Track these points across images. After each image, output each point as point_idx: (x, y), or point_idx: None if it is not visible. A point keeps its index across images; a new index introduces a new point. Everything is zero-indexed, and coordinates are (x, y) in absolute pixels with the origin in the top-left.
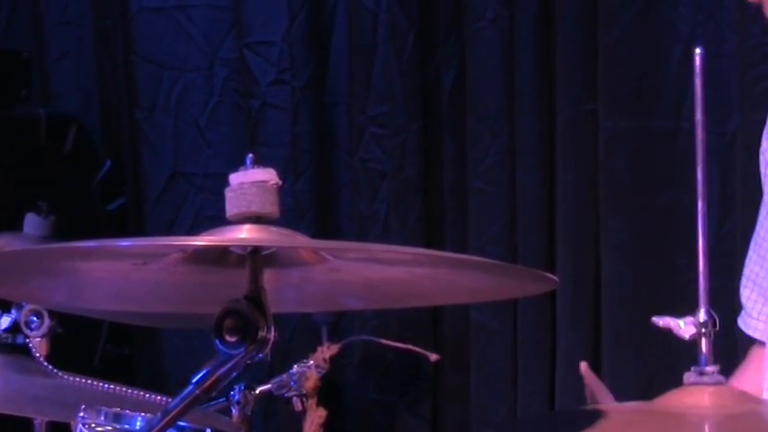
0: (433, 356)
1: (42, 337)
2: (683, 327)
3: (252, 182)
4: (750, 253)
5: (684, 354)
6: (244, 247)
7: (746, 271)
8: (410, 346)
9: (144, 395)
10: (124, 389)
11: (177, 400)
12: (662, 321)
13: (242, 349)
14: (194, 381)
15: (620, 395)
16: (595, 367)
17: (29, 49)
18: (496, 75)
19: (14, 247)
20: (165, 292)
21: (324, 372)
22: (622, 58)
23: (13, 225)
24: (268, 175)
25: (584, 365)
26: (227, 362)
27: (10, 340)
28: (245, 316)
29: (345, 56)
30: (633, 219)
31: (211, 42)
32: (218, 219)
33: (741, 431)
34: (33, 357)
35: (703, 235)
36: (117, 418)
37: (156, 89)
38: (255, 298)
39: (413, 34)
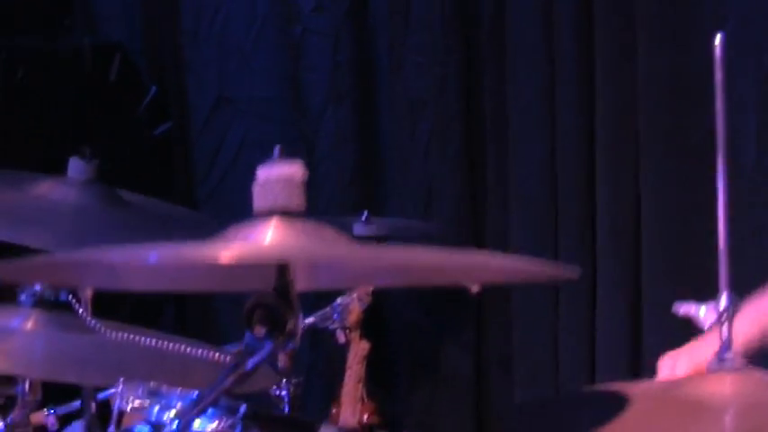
0: (475, 287)
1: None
2: (704, 314)
3: (278, 177)
4: None
5: None
6: None
7: None
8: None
9: (189, 350)
10: (169, 342)
11: (209, 390)
12: (683, 309)
13: (271, 341)
14: (224, 373)
15: None
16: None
17: None
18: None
19: (57, 193)
20: (199, 273)
21: (366, 305)
22: None
23: (64, 159)
24: (295, 169)
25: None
26: (257, 353)
27: (53, 297)
28: (274, 308)
29: None
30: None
31: None
32: (264, 144)
33: (763, 420)
34: (77, 313)
35: (724, 218)
36: (154, 393)
37: (199, 15)
38: (284, 291)
39: None
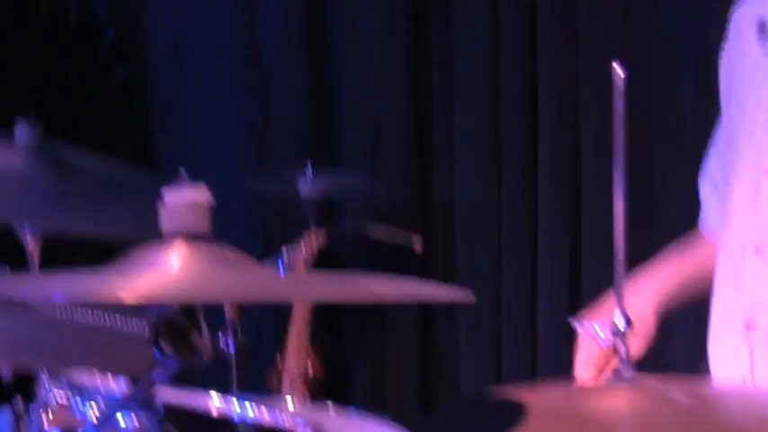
0: (417, 241)
1: None
2: (602, 332)
3: (184, 201)
4: (710, 150)
5: None
6: None
7: (705, 168)
8: (393, 234)
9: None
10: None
11: (118, 399)
12: (581, 327)
13: (176, 358)
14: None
15: None
16: None
17: None
18: None
19: (3, 159)
20: None
21: (310, 260)
22: None
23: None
24: (201, 195)
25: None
26: (164, 367)
27: None
28: (179, 327)
29: None
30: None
31: None
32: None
33: None
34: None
35: (621, 238)
36: (75, 386)
37: None
38: (188, 309)
39: None
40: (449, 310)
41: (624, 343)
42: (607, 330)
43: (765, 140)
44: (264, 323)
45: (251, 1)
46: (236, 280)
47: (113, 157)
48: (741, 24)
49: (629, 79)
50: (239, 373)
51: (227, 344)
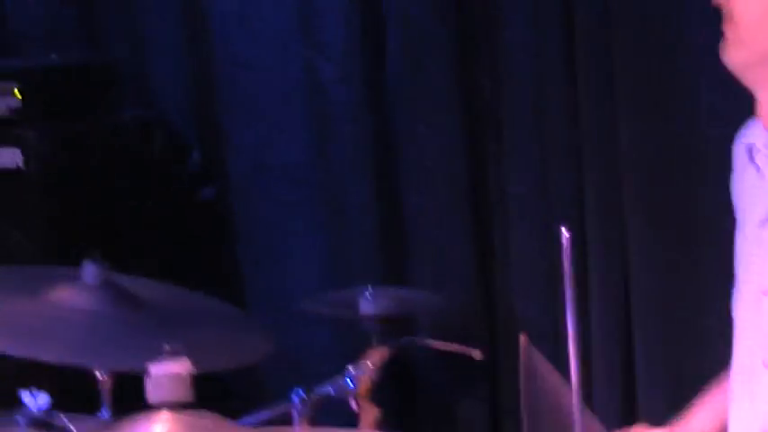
0: (476, 354)
1: None
2: None
3: (167, 374)
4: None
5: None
6: None
7: (736, 286)
8: (453, 347)
9: None
10: None
11: None
12: None
13: None
14: None
15: None
16: None
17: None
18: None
19: (70, 297)
20: None
21: (375, 375)
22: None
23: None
24: (182, 367)
25: (523, 338)
26: None
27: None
28: None
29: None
30: None
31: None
32: (297, 206)
33: None
34: None
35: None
36: None
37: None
38: None
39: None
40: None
41: None
42: None
43: (761, 258)
44: None
45: (323, 121)
46: None
47: (197, 284)
48: (738, 153)
49: None
50: None
51: None
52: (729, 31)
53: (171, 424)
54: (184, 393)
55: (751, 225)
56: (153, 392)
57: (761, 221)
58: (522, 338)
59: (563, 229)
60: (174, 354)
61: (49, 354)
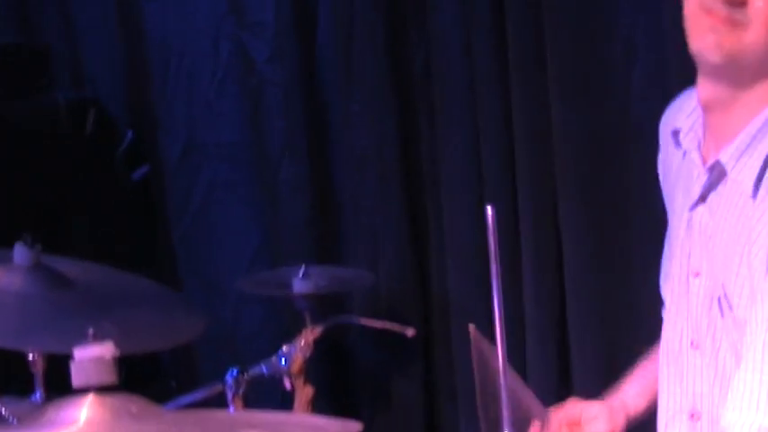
0: (410, 332)
1: None
2: None
3: (91, 357)
4: (665, 249)
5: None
6: None
7: (663, 267)
8: (386, 325)
9: None
10: None
11: None
12: None
13: None
14: None
15: None
16: None
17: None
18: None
19: (1, 279)
20: None
21: (308, 354)
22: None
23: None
24: (106, 350)
25: (472, 328)
26: None
27: None
28: None
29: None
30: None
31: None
32: (231, 185)
33: None
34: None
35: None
36: None
37: (166, 69)
38: None
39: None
40: (451, 393)
41: None
42: None
43: (688, 241)
44: None
45: (255, 101)
46: (136, 430)
47: (130, 264)
48: (664, 135)
49: None
50: None
51: None
52: (737, 14)
53: (96, 407)
54: (109, 377)
55: (679, 209)
56: (77, 376)
57: (688, 205)
58: (472, 328)
59: (488, 207)
60: (99, 337)
61: None
